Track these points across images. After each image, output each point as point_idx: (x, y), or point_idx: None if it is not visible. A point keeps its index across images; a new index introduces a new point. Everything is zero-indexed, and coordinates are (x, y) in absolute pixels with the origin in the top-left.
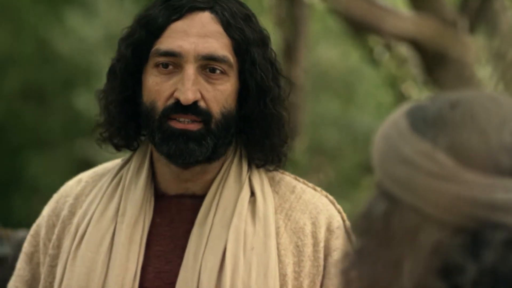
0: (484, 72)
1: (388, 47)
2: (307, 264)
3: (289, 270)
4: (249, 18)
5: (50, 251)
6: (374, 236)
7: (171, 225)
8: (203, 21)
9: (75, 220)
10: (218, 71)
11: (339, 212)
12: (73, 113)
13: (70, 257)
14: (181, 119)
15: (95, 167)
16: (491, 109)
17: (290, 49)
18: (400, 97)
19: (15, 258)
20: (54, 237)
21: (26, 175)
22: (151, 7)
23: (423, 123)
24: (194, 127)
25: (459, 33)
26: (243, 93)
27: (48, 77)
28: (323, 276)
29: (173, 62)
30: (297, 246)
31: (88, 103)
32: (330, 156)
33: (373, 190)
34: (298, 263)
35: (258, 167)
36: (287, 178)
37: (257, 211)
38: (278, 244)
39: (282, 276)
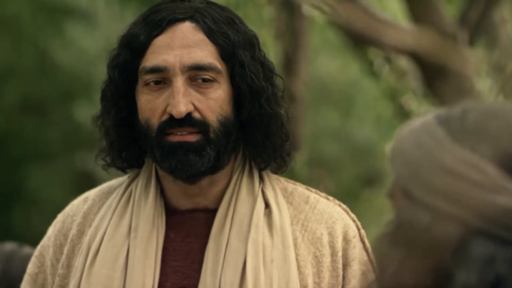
0: (484, 84)
1: (388, 60)
2: (326, 275)
3: (310, 281)
4: (232, 21)
5: (60, 271)
6: (416, 247)
7: (187, 240)
8: (184, 31)
9: (86, 238)
10: (207, 80)
11: (354, 221)
12: (73, 125)
13: (84, 275)
14: (178, 133)
15: (100, 185)
16: None
17: (290, 62)
18: (400, 110)
19: (2, 271)
20: (63, 256)
21: (26, 187)
22: (132, 26)
23: (462, 132)
24: (192, 138)
25: (459, 45)
26: (238, 97)
27: (48, 89)
28: (343, 287)
29: (162, 77)
30: (316, 257)
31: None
32: (330, 168)
33: (399, 197)
34: (318, 274)
35: (262, 169)
36: (300, 189)
37: (273, 223)
38: (297, 255)
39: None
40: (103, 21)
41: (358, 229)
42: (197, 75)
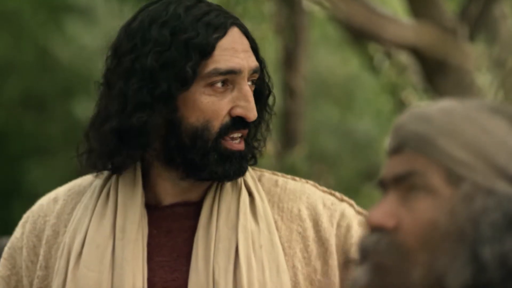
0: (484, 80)
1: (388, 55)
2: (314, 247)
3: (297, 260)
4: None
5: (38, 273)
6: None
7: (169, 235)
8: (239, 36)
9: (65, 240)
10: (253, 83)
11: (325, 192)
12: (73, 121)
13: (69, 278)
14: (235, 135)
15: (67, 184)
16: None
17: (290, 57)
18: (400, 105)
19: None
20: (40, 258)
21: (26, 183)
22: (186, 28)
23: None
24: (243, 146)
25: (459, 40)
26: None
27: (48, 85)
28: (337, 253)
29: (230, 79)
30: (299, 233)
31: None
32: (330, 163)
33: (446, 186)
34: (305, 249)
35: (254, 163)
36: (266, 174)
37: (257, 210)
38: (280, 237)
39: (291, 269)
40: (102, 17)
41: (334, 196)
42: (251, 77)
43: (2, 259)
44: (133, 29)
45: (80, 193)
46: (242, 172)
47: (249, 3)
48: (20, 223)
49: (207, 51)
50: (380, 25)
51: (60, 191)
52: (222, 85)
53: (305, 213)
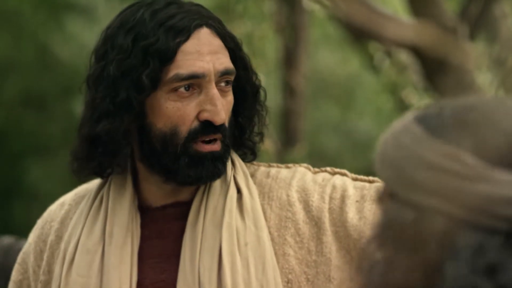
0: (484, 79)
1: (388, 54)
2: (306, 229)
3: (288, 246)
4: (222, 22)
5: (42, 277)
6: (404, 245)
7: (160, 236)
8: (207, 37)
9: (62, 246)
10: (228, 83)
11: (316, 172)
12: (73, 120)
13: (62, 284)
14: (206, 139)
15: (76, 189)
16: (507, 110)
17: (290, 56)
18: (400, 104)
19: (0, 265)
20: (44, 263)
21: (26, 182)
22: (148, 34)
23: (441, 127)
24: (218, 147)
25: (459, 39)
26: (236, 96)
27: (48, 84)
28: (333, 226)
29: (194, 84)
30: (288, 218)
31: None
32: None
33: (386, 201)
34: (297, 232)
35: (251, 160)
36: (262, 168)
37: (244, 206)
38: (269, 228)
39: (282, 257)
40: (102, 15)
41: (325, 172)
42: (221, 80)
43: (16, 264)
44: (107, 35)
45: (85, 197)
46: (217, 174)
47: (249, 2)
48: (33, 229)
49: (168, 56)
50: (380, 24)
51: (68, 196)
52: (187, 90)
53: (294, 197)
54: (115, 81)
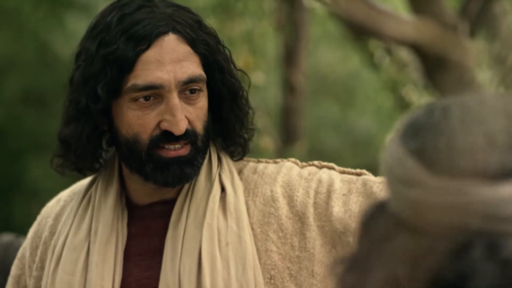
0: (485, 76)
1: (389, 51)
2: (289, 224)
3: (270, 242)
4: (200, 23)
5: (34, 273)
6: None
7: (147, 234)
8: (171, 45)
9: (52, 242)
10: (195, 90)
11: (304, 166)
12: None
13: (49, 281)
14: (171, 147)
15: (73, 185)
16: (470, 110)
17: (290, 54)
18: (401, 101)
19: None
20: (37, 258)
21: (26, 179)
22: (110, 41)
23: (409, 131)
24: (185, 151)
25: (460, 37)
26: (213, 99)
27: (49, 81)
28: (318, 221)
29: (153, 93)
30: (271, 214)
31: None
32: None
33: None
34: (279, 228)
35: (240, 158)
36: (250, 164)
37: (227, 206)
38: (252, 224)
39: (264, 253)
40: None
41: (312, 166)
42: (187, 88)
43: (16, 259)
44: (84, 36)
45: (79, 193)
46: (185, 177)
47: (249, 0)
48: (33, 225)
49: (126, 66)
50: (380, 21)
51: (65, 192)
52: (147, 100)
53: (278, 193)
54: (78, 87)
